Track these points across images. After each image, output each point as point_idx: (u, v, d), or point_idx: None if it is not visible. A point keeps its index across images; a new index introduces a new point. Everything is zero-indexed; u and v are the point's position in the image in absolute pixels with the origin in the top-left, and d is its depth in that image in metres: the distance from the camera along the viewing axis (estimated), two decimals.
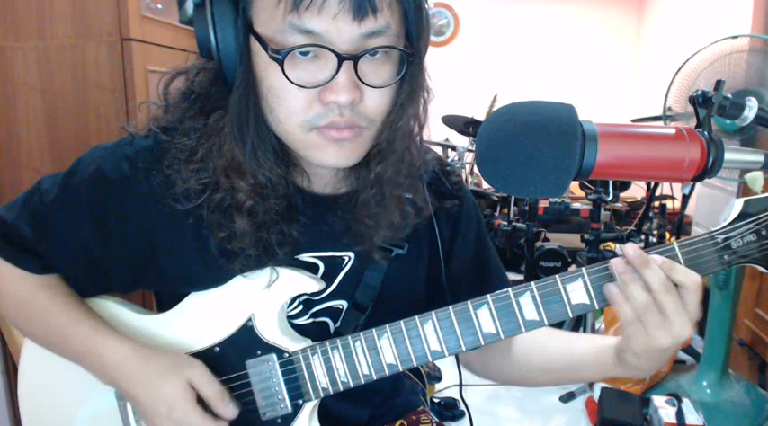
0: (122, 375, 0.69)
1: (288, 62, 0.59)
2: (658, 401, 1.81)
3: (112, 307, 0.78)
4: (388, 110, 0.66)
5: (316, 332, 0.76)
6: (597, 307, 0.63)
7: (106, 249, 0.72)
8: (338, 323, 0.78)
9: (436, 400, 2.12)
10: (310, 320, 0.77)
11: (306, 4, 0.56)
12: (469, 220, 0.84)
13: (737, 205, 0.61)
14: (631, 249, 0.59)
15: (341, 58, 0.58)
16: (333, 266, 0.76)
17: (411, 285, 0.81)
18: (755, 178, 0.60)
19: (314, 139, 0.64)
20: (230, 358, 0.72)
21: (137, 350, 0.70)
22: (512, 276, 3.34)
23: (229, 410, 0.69)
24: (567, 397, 2.17)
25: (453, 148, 3.43)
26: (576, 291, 0.63)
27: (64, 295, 0.75)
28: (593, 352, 0.72)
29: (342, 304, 0.78)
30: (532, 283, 0.64)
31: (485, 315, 0.65)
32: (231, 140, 0.64)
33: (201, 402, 0.68)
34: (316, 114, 0.62)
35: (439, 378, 2.18)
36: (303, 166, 0.72)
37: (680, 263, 0.60)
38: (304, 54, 0.60)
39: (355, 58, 0.59)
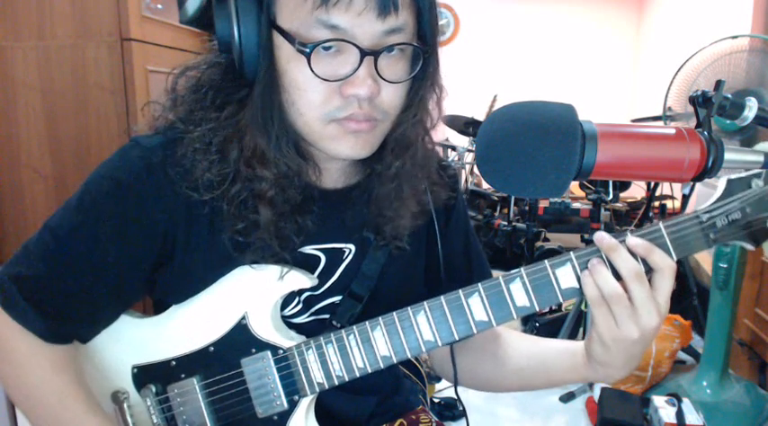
0: None
1: (312, 57, 0.60)
2: (658, 401, 1.81)
3: None
4: (402, 104, 0.68)
5: (317, 330, 0.76)
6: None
7: (129, 258, 0.69)
8: (336, 314, 0.78)
9: (436, 400, 2.12)
10: (311, 318, 0.78)
11: (334, 1, 0.58)
12: (459, 212, 0.86)
13: (721, 184, 0.61)
14: (599, 234, 0.60)
15: (363, 53, 0.60)
16: (334, 258, 0.77)
17: (409, 275, 0.82)
18: None
19: (332, 131, 0.65)
20: (225, 357, 0.72)
21: None
22: None
23: None
24: (567, 397, 2.17)
25: (453, 148, 3.44)
26: (566, 276, 0.63)
27: (76, 383, 0.70)
28: (566, 352, 0.73)
29: (340, 301, 0.78)
30: (522, 269, 0.64)
31: (476, 303, 0.66)
32: (254, 132, 0.66)
33: None
34: (336, 107, 0.64)
35: (439, 378, 2.18)
36: (316, 161, 0.73)
37: (667, 244, 0.60)
38: (326, 49, 0.61)
39: (376, 54, 0.61)
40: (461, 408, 0.85)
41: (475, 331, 0.66)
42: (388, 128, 0.69)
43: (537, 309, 0.64)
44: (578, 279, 0.62)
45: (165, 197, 0.69)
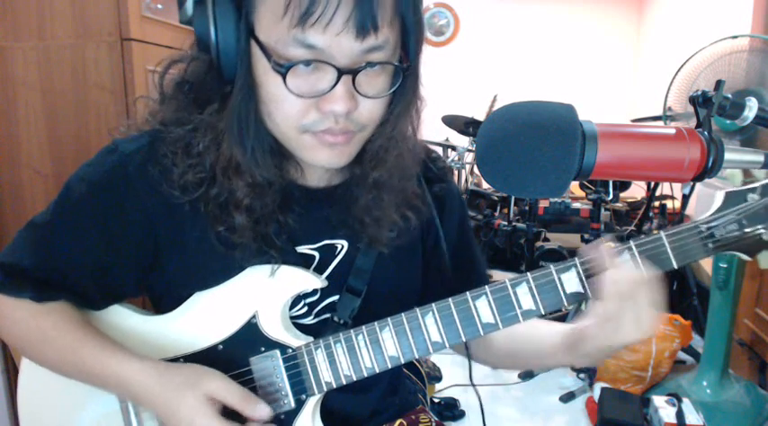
0: (141, 393, 0.68)
1: (289, 73, 0.60)
2: (658, 401, 1.81)
3: (116, 310, 0.78)
4: (380, 117, 0.68)
5: (323, 331, 0.77)
6: (591, 296, 0.64)
7: (113, 256, 0.72)
8: (336, 311, 0.78)
9: (436, 400, 2.12)
10: (316, 319, 0.78)
11: (312, 21, 0.57)
12: (453, 202, 0.87)
13: (719, 196, 0.63)
14: (603, 246, 0.63)
15: (341, 73, 0.60)
16: (327, 255, 0.78)
17: (404, 267, 0.83)
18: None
19: (308, 141, 0.66)
20: (234, 355, 0.73)
21: (151, 367, 0.68)
22: (512, 276, 3.32)
23: (261, 409, 0.67)
24: (567, 397, 2.17)
25: (453, 148, 3.43)
26: (571, 281, 0.64)
27: (68, 320, 0.73)
28: (549, 342, 0.74)
29: (338, 298, 0.79)
30: (528, 274, 0.66)
31: (483, 306, 0.67)
32: (230, 141, 0.66)
33: (230, 412, 0.67)
34: (312, 121, 0.64)
35: (439, 378, 2.17)
36: (297, 160, 0.73)
37: (667, 251, 0.62)
38: (305, 65, 0.61)
39: (354, 73, 0.61)
40: (478, 398, 0.85)
41: (482, 333, 0.67)
42: (366, 137, 0.69)
43: (542, 312, 0.66)
44: (582, 284, 0.64)
45: (142, 199, 0.70)
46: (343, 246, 0.78)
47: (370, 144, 0.70)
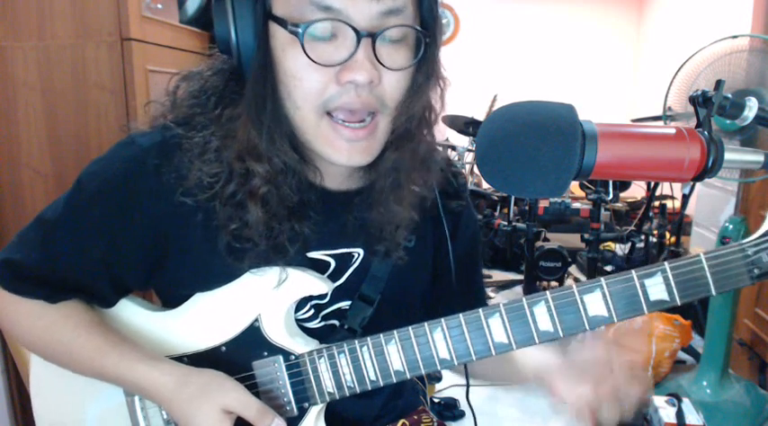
0: (156, 398, 0.68)
1: (306, 43, 0.59)
2: (658, 401, 1.81)
3: (123, 305, 0.77)
4: (403, 97, 0.66)
5: (328, 336, 0.76)
6: (616, 320, 0.60)
7: (120, 255, 0.71)
8: (346, 318, 0.77)
9: (436, 400, 2.12)
10: (322, 323, 0.77)
11: None
12: (468, 222, 0.85)
13: None
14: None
15: (359, 35, 0.59)
16: (343, 263, 0.76)
17: (417, 278, 0.82)
18: None
19: (325, 130, 0.64)
20: (237, 358, 0.72)
21: (167, 373, 0.68)
22: (512, 276, 3.34)
23: (277, 424, 0.66)
24: None
25: (453, 148, 3.44)
26: (594, 303, 0.60)
27: (85, 324, 0.72)
28: (533, 370, 0.78)
29: (350, 305, 0.78)
30: (547, 292, 0.62)
31: (496, 325, 0.63)
32: (248, 123, 0.64)
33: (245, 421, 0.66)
34: (331, 95, 0.62)
35: (439, 378, 2.17)
36: (317, 164, 0.72)
37: (706, 277, 0.57)
38: (322, 37, 0.60)
39: (374, 36, 0.59)
40: (471, 412, 0.85)
41: (494, 352, 0.64)
42: (387, 127, 0.67)
43: (561, 335, 0.62)
44: (608, 307, 0.60)
45: (155, 200, 0.69)
46: (359, 254, 0.77)
47: (390, 130, 0.68)
